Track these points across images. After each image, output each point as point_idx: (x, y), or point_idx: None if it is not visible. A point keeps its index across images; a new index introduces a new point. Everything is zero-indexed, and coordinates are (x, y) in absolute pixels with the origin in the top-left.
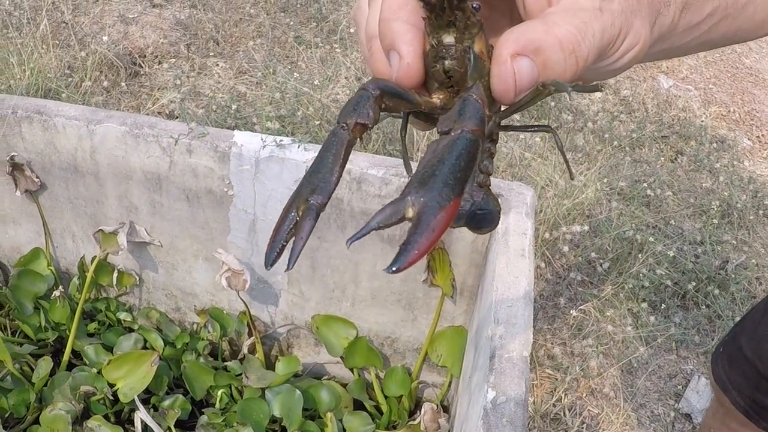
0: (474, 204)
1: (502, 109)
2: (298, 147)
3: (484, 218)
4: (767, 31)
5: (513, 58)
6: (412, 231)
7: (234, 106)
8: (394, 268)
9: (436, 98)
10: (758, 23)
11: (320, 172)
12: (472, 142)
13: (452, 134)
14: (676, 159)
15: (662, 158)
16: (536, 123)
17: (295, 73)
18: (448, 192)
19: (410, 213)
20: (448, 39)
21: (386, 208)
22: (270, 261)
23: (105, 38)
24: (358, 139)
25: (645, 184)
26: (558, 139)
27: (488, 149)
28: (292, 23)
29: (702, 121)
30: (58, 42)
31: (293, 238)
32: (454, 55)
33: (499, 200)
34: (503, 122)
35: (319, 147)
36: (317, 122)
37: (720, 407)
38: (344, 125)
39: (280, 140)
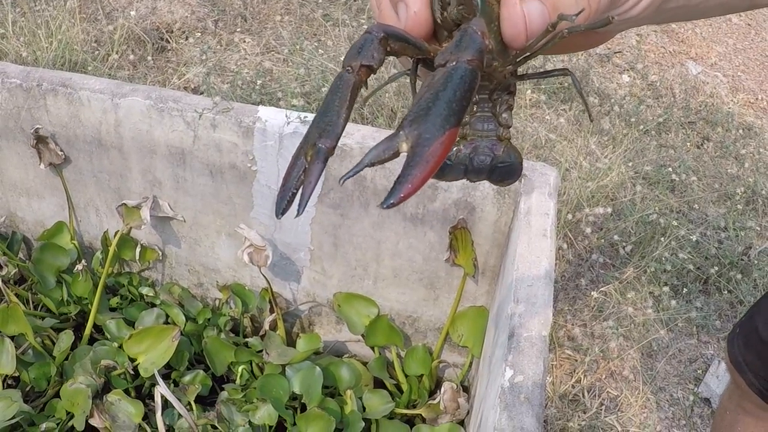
0: (495, 158)
1: (515, 58)
2: None
3: (506, 171)
4: None
5: (523, 1)
6: (406, 164)
7: (259, 82)
8: (389, 202)
9: (446, 46)
10: None
11: (327, 115)
12: (469, 72)
13: (448, 66)
14: (702, 145)
15: (688, 143)
16: (552, 69)
17: (320, 50)
18: (443, 122)
19: (404, 147)
20: None
21: (380, 144)
22: (280, 209)
23: (133, 13)
24: (364, 82)
25: (670, 169)
26: (576, 82)
27: (506, 101)
28: (320, 1)
29: (729, 108)
30: (85, 16)
31: (302, 185)
32: (461, 0)
33: (523, 180)
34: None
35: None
36: None
37: (736, 389)
38: (349, 68)
39: (305, 116)
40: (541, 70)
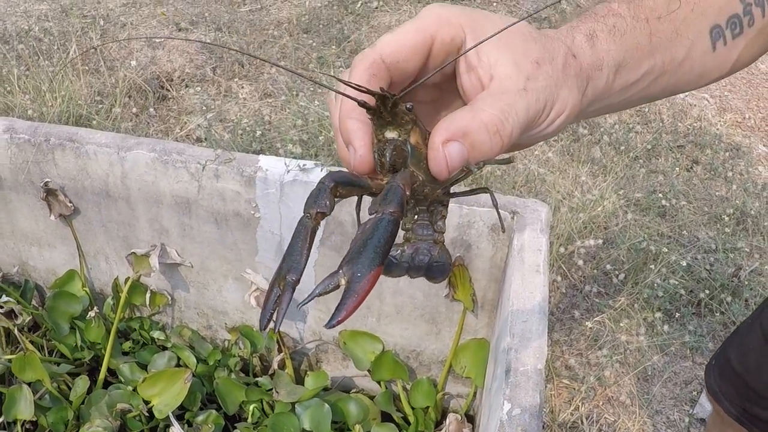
0: (432, 258)
1: (444, 184)
2: (321, 170)
3: (439, 269)
4: (707, 81)
5: (444, 144)
6: (343, 296)
7: (259, 132)
8: (331, 324)
9: (386, 181)
10: (697, 76)
11: (293, 255)
12: (391, 222)
13: (376, 216)
14: (691, 168)
15: (678, 168)
16: (475, 187)
17: (316, 101)
18: (370, 263)
19: (342, 282)
20: (389, 134)
21: (326, 279)
22: (262, 326)
23: (133, 63)
24: (319, 224)
25: (660, 195)
26: (494, 198)
27: (441, 212)
28: (314, 44)
29: (717, 129)
30: (87, 68)
31: (277, 308)
32: (396, 146)
33: (515, 217)
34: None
35: (339, 169)
36: None
37: (717, 415)
38: (308, 215)
39: (304, 164)
40: (467, 189)
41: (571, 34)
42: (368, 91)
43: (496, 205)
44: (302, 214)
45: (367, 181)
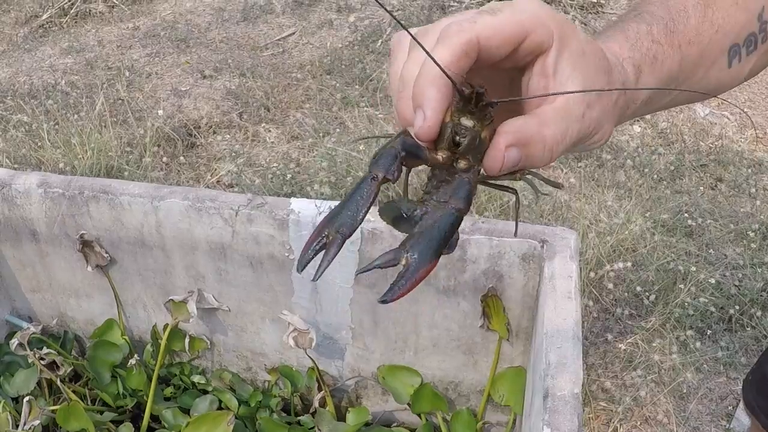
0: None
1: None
2: None
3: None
4: (717, 94)
5: (507, 149)
6: (401, 276)
7: (289, 176)
8: (383, 299)
9: (440, 156)
10: (710, 91)
11: (350, 210)
12: (457, 218)
13: (447, 207)
14: (715, 186)
15: (702, 187)
16: (507, 184)
17: (343, 136)
18: (431, 255)
19: (403, 262)
20: (466, 122)
21: (389, 252)
22: (300, 267)
23: (160, 112)
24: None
25: (686, 215)
26: (518, 202)
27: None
28: (338, 85)
29: (739, 146)
30: (116, 119)
31: (322, 254)
32: (467, 134)
33: (545, 246)
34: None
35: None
36: None
37: (756, 429)
38: (375, 176)
39: (335, 206)
40: (498, 183)
41: (625, 69)
42: (469, 84)
43: (517, 209)
44: (368, 172)
45: (427, 154)
